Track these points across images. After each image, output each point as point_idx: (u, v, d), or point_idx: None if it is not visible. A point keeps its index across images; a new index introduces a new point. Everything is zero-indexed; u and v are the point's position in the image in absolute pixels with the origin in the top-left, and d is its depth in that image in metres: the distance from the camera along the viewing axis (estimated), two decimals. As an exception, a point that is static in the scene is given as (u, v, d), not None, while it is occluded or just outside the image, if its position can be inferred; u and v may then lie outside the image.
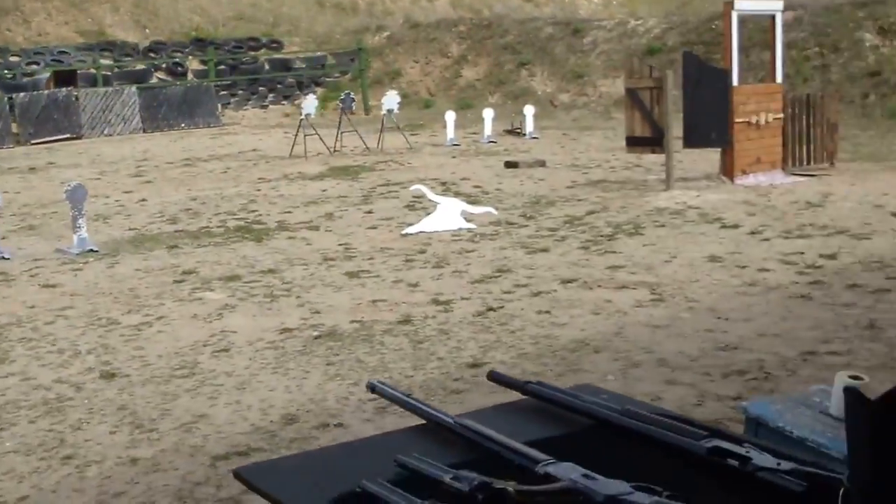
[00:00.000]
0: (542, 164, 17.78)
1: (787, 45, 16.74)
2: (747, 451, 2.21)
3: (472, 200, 13.58)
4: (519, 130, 23.31)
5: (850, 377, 3.79)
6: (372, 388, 2.78)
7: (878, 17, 23.58)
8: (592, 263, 9.75)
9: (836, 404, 3.73)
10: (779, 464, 2.15)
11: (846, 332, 7.08)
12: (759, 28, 22.11)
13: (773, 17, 15.71)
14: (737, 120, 14.65)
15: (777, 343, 6.91)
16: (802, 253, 9.81)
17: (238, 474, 2.31)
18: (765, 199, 13.31)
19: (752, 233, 10.99)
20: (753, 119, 14.91)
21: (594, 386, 3.21)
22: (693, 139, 14.74)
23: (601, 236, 11.13)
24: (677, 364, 6.53)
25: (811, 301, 8.02)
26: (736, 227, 11.41)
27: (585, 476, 2.06)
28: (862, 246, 9.98)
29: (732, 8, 14.49)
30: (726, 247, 10.29)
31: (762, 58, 22.14)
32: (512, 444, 2.28)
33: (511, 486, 2.03)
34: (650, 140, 14.75)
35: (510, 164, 17.71)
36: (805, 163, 15.80)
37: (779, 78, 15.74)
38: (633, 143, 15.12)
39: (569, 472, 2.10)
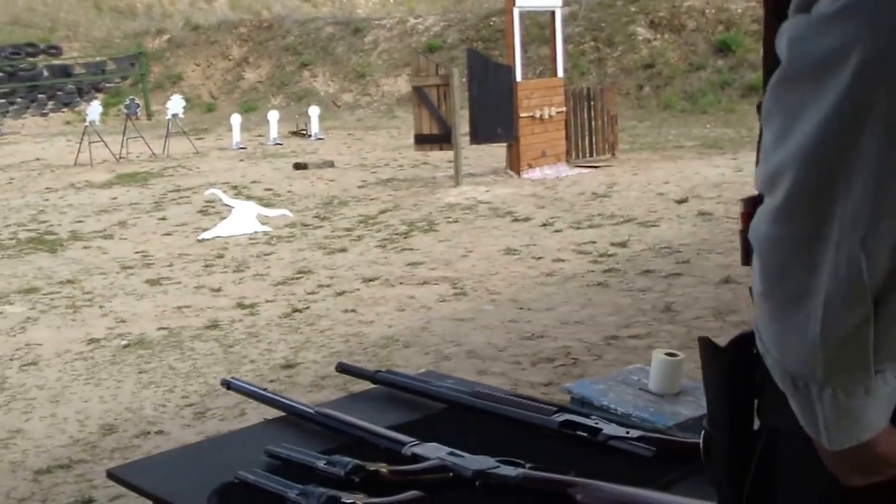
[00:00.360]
0: (331, 164, 17.74)
1: (564, 40, 17.18)
2: (596, 423, 2.26)
3: (266, 203, 13.44)
4: (304, 132, 23.20)
5: (666, 354, 3.92)
6: (227, 385, 2.74)
7: (649, 12, 24.52)
8: (391, 261, 9.77)
9: (654, 380, 3.84)
10: (628, 432, 2.22)
11: (645, 316, 7.31)
12: (535, 24, 22.67)
13: (552, 13, 16.10)
14: (521, 115, 14.95)
15: (580, 330, 7.08)
16: (594, 242, 10.09)
17: (113, 475, 2.28)
18: (552, 191, 13.64)
19: (544, 225, 11.24)
20: (537, 113, 15.26)
21: (438, 373, 3.21)
22: (480, 135, 14.97)
23: (397, 234, 11.17)
24: (487, 355, 6.61)
25: (608, 288, 8.25)
26: (527, 219, 11.64)
27: (452, 454, 2.09)
28: (650, 233, 10.34)
29: (514, 4, 14.77)
30: (520, 239, 10.49)
31: (539, 53, 22.75)
32: (376, 429, 2.30)
33: (384, 468, 2.05)
34: (438, 137, 14.89)
35: (299, 166, 17.59)
36: (588, 154, 16.28)
37: (560, 73, 16.18)
38: (422, 140, 15.24)
39: (435, 451, 2.13)
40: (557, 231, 10.85)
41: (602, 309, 7.61)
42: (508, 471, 2.04)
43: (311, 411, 2.50)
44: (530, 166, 15.11)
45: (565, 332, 7.06)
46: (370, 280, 9.00)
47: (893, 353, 1.05)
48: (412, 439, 2.24)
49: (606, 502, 1.92)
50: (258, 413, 5.56)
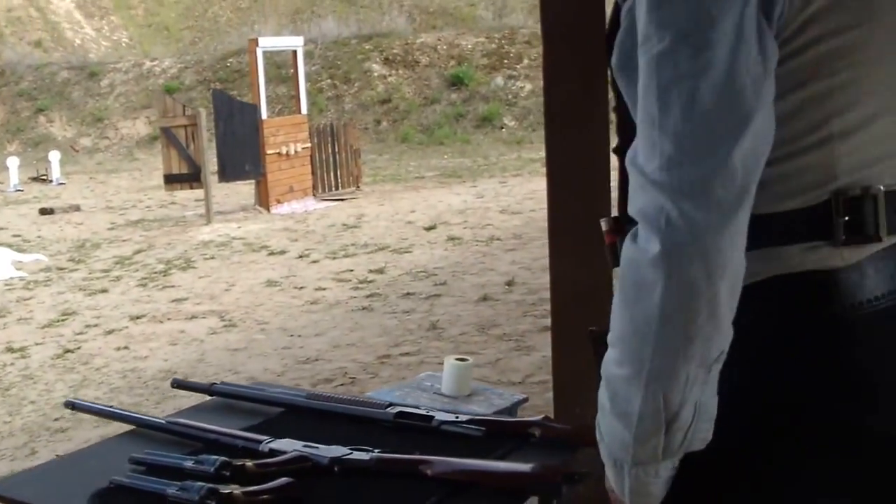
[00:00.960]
0: (77, 208, 17.39)
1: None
2: (428, 412, 2.56)
3: (18, 249, 13.10)
4: (45, 177, 22.58)
5: (457, 359, 4.27)
6: (72, 405, 2.86)
7: (383, 49, 25.20)
8: (156, 298, 9.79)
9: (447, 383, 4.18)
10: (457, 417, 2.53)
11: (412, 335, 7.69)
12: (273, 63, 22.90)
13: (294, 52, 16.42)
14: (268, 152, 15.17)
15: (353, 351, 7.38)
16: (352, 270, 10.43)
17: (-7, 493, 2.35)
18: (303, 224, 13.90)
19: (300, 257, 11.49)
20: (283, 150, 15.51)
21: (266, 382, 3.41)
22: (228, 173, 15.09)
23: (155, 273, 11.16)
24: (267, 380, 6.79)
25: (373, 311, 8.60)
26: (283, 252, 11.86)
27: (307, 446, 2.33)
28: (405, 259, 10.77)
29: (257, 45, 15.02)
30: (279, 272, 10.70)
31: (278, 91, 23.01)
32: (230, 431, 2.49)
33: (249, 462, 2.26)
34: (188, 176, 14.92)
35: (45, 211, 17.16)
36: (334, 188, 16.64)
37: (304, 109, 16.51)
38: (172, 180, 15.22)
39: (290, 445, 2.35)
40: (314, 262, 11.13)
41: (370, 331, 7.93)
42: (362, 455, 2.28)
43: (163, 421, 2.66)
44: (279, 202, 15.34)
45: (339, 354, 7.35)
46: (137, 317, 9.02)
47: (673, 452, 1.41)
48: (267, 437, 2.45)
49: (452, 473, 2.22)
50: (48, 450, 5.59)
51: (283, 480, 2.19)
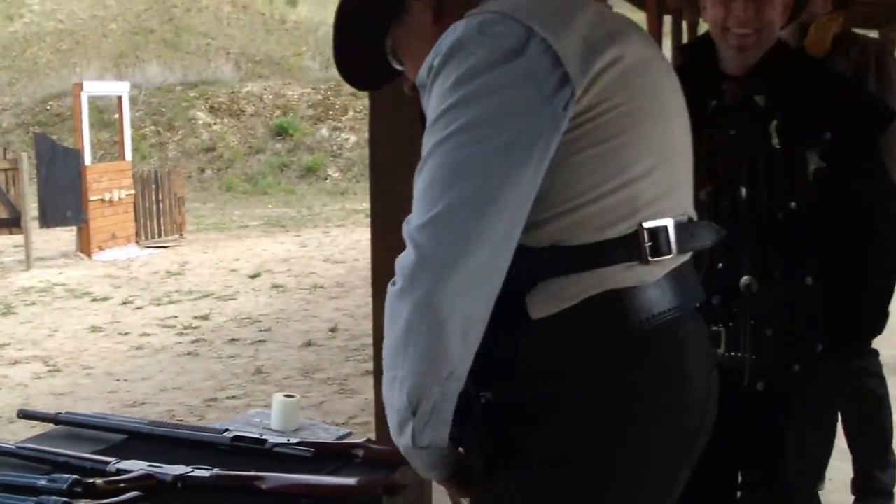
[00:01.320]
0: None
1: (127, 125, 17.56)
2: (262, 435, 2.87)
3: None
4: None
5: (286, 396, 4.55)
6: None
7: (208, 97, 25.27)
8: (-25, 344, 9.73)
9: (276, 419, 4.45)
10: (289, 440, 2.84)
11: (238, 379, 7.91)
12: (95, 108, 22.68)
13: (119, 98, 16.42)
14: (91, 198, 15.10)
15: (179, 395, 7.56)
16: (177, 316, 10.55)
17: None
18: (126, 271, 13.89)
19: (124, 303, 11.53)
20: (107, 196, 15.47)
21: (107, 413, 3.61)
22: (49, 218, 14.96)
23: (-25, 318, 11.06)
24: (93, 424, 6.91)
25: (199, 356, 8.77)
26: (106, 299, 11.87)
27: (151, 466, 2.59)
28: (230, 306, 10.95)
29: (82, 89, 14.99)
30: (103, 318, 10.73)
31: (100, 137, 22.79)
32: (78, 454, 2.72)
33: (99, 480, 2.50)
34: (7, 221, 14.71)
35: None
36: (157, 235, 16.64)
37: (128, 156, 16.50)
38: (-11, 224, 14.98)
39: (136, 465, 2.61)
40: (138, 308, 11.19)
41: (196, 375, 8.12)
42: (202, 473, 2.56)
43: (12, 446, 2.86)
44: (101, 248, 15.26)
45: (165, 397, 7.51)
46: (-44, 362, 8.97)
47: (422, 441, 1.77)
48: (114, 458, 2.70)
49: (285, 487, 2.52)
50: None
51: (131, 495, 2.43)
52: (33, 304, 11.80)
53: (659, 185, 1.81)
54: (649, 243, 1.76)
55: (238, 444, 2.84)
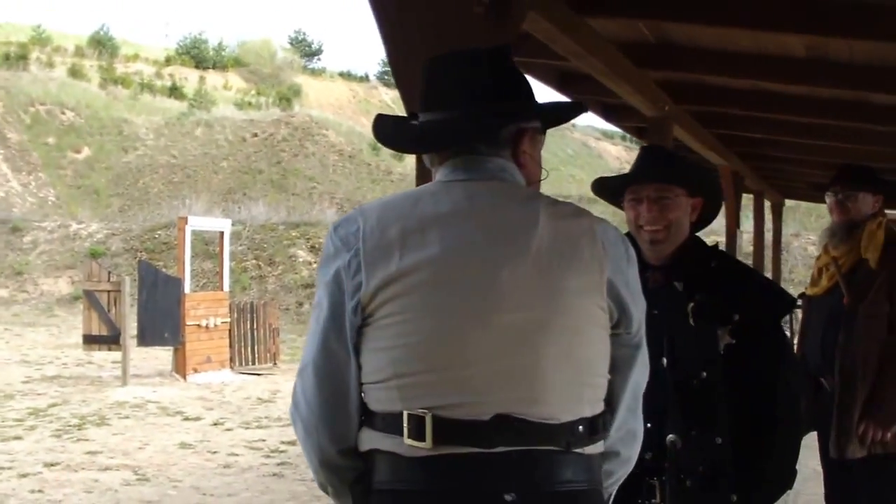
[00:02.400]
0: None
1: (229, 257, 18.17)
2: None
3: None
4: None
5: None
6: None
7: (309, 237, 25.99)
8: (70, 449, 10.02)
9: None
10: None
11: (320, 501, 8.05)
12: (200, 240, 23.50)
13: (221, 233, 17.08)
14: (188, 323, 15.58)
15: (263, 511, 7.71)
16: (265, 440, 10.77)
17: None
18: (219, 395, 14.21)
19: (215, 424, 11.80)
20: (203, 322, 15.94)
21: None
22: (148, 337, 15.44)
23: (70, 426, 11.38)
24: (179, 530, 7.11)
25: (283, 478, 8.95)
26: (198, 419, 12.15)
27: None
28: (316, 434, 11.12)
29: (186, 223, 15.65)
30: (194, 436, 10.99)
31: (203, 266, 23.52)
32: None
33: None
34: (107, 338, 15.24)
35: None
36: (251, 363, 17.04)
37: (226, 286, 17.04)
38: (90, 340, 15.52)
39: None
40: (228, 430, 11.44)
41: (280, 495, 8.28)
42: None
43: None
44: (195, 370, 15.65)
45: (249, 513, 7.68)
46: (52, 465, 9.24)
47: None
48: None
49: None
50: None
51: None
52: (127, 417, 12.13)
53: (420, 385, 2.19)
54: (407, 425, 2.17)
55: None
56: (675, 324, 3.30)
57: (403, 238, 2.13)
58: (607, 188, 3.57)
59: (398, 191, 2.45)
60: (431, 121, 2.29)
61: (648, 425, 3.14)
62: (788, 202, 16.52)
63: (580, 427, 2.18)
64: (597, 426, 2.24)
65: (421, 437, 2.08)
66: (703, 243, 3.55)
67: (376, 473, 2.15)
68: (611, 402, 2.30)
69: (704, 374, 3.26)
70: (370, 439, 2.15)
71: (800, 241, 26.78)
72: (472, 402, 2.10)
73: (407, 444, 2.09)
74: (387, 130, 2.42)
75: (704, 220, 3.51)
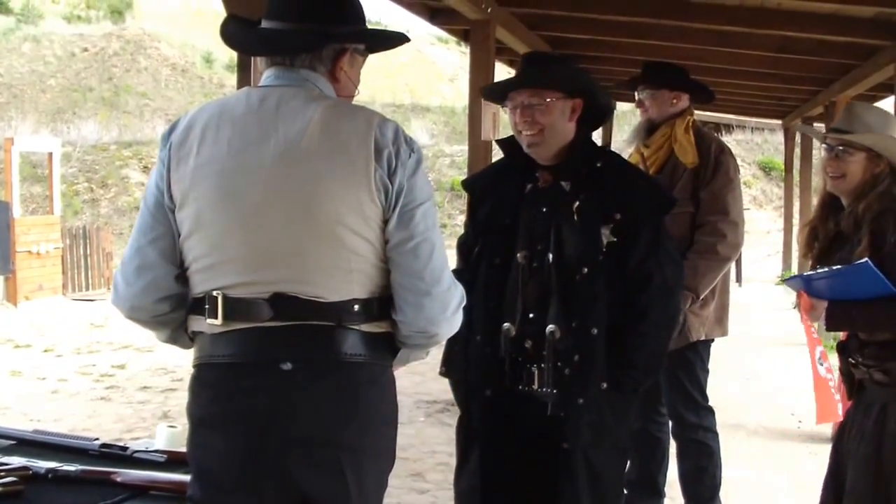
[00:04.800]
0: None
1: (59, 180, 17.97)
2: (125, 444, 3.41)
3: None
4: None
5: (168, 426, 5.06)
6: None
7: (142, 157, 25.71)
8: None
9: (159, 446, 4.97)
10: (147, 448, 3.38)
11: (145, 423, 8.36)
12: (27, 163, 23.04)
13: (50, 155, 16.89)
14: (18, 249, 15.47)
15: (86, 434, 7.97)
16: (94, 365, 10.98)
17: None
18: (51, 322, 14.26)
19: (46, 351, 11.93)
20: (34, 248, 15.85)
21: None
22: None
23: None
24: (3, 458, 7.34)
25: (111, 401, 9.23)
26: (28, 346, 12.26)
27: (29, 461, 3.11)
28: (148, 357, 11.37)
29: (13, 144, 15.46)
30: (24, 364, 11.12)
31: (32, 191, 23.12)
32: (-31, 451, 3.24)
33: None
34: (-66, 269, 15.08)
35: None
36: (84, 289, 17.04)
37: (57, 211, 16.93)
38: (-84, 273, 15.32)
39: (17, 460, 3.14)
40: (59, 356, 11.60)
41: (107, 418, 8.57)
42: (70, 468, 3.11)
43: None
44: (27, 298, 15.62)
45: (74, 437, 7.93)
46: None
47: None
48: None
49: (136, 480, 3.06)
50: None
51: (9, 479, 2.96)
52: (-45, 349, 12.16)
53: (213, 269, 2.61)
54: (206, 306, 2.61)
55: (105, 450, 3.40)
56: (561, 222, 3.54)
57: (203, 135, 2.52)
58: (493, 95, 3.85)
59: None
60: (270, 29, 2.62)
61: (531, 315, 3.58)
62: (625, 107, 16.65)
63: (355, 306, 2.49)
64: (371, 307, 2.53)
65: (214, 315, 2.50)
66: (593, 143, 3.77)
67: (195, 351, 2.63)
68: (394, 288, 2.54)
69: (586, 269, 3.48)
70: (193, 322, 2.60)
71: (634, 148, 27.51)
72: (252, 281, 2.49)
73: (208, 323, 2.52)
74: (231, 32, 2.74)
75: (594, 119, 3.71)
